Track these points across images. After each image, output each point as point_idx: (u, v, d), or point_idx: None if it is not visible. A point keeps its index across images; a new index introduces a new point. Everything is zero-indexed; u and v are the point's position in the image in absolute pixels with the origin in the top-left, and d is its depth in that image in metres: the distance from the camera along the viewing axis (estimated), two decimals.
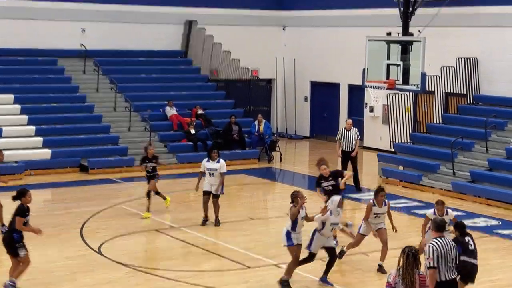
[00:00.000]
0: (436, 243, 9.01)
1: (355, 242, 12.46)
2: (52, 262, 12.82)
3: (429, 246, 8.90)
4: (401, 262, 8.18)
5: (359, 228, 12.36)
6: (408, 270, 8.10)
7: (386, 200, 12.34)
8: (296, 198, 11.28)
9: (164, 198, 16.23)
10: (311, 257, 11.56)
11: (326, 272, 11.60)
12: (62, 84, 23.99)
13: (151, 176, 15.99)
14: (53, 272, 12.22)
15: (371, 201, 12.21)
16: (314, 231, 11.49)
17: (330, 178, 13.71)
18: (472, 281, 10.41)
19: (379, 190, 12.27)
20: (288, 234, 11.19)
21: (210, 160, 15.01)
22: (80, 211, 16.41)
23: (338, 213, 11.64)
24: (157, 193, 16.05)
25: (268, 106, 28.87)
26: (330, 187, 13.70)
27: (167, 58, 26.61)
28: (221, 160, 15.12)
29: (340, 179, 13.77)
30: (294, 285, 11.38)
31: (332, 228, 11.53)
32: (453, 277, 9.02)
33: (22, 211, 11.00)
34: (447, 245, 9.03)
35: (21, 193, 11.18)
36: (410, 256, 8.13)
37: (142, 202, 16.24)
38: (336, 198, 11.74)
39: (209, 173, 14.94)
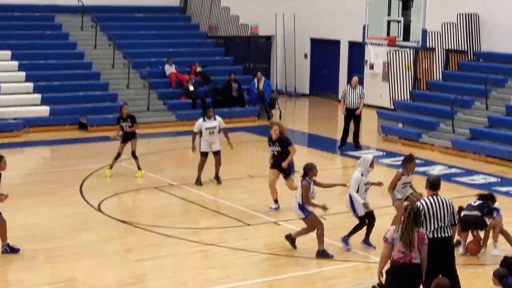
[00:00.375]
0: (425, 201, 8.97)
1: (399, 211, 11.31)
2: (51, 219, 12.84)
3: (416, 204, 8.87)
4: (402, 219, 8.19)
5: (394, 197, 11.63)
6: (407, 228, 8.12)
7: None
8: (311, 171, 11.03)
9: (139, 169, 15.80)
10: (363, 221, 11.35)
11: (368, 234, 11.42)
12: (59, 40, 23.79)
13: (129, 135, 15.62)
14: (52, 229, 12.26)
15: (401, 169, 11.63)
16: (350, 197, 11.29)
17: (277, 144, 13.28)
18: (477, 228, 11.07)
19: (410, 158, 11.64)
20: (301, 206, 11.03)
21: (206, 119, 14.92)
22: (79, 168, 16.40)
23: (369, 173, 11.40)
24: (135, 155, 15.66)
25: (268, 63, 28.70)
26: (276, 153, 13.30)
27: (165, 14, 26.37)
28: (218, 117, 15.09)
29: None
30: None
31: (366, 188, 11.38)
32: (444, 235, 8.91)
33: None
34: (439, 203, 8.97)
35: None
36: (412, 214, 8.14)
37: (141, 160, 16.23)
38: (368, 157, 11.45)
39: (209, 132, 14.87)
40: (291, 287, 10.13)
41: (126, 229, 12.39)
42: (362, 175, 11.33)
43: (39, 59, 22.49)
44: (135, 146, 15.71)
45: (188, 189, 14.82)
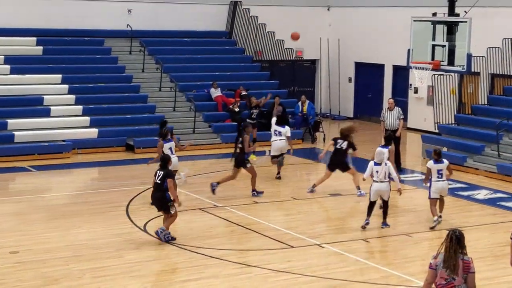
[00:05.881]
0: None
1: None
2: (98, 239, 13.10)
3: None
4: (445, 245, 8.05)
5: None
6: (451, 253, 7.96)
7: None
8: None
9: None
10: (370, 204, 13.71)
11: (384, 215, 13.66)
12: (108, 64, 24.30)
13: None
14: (99, 249, 12.51)
15: None
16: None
17: None
18: None
19: None
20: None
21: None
22: (126, 189, 16.71)
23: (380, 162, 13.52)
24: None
25: (312, 86, 28.86)
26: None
27: (211, 39, 26.76)
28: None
29: None
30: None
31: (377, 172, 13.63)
32: None
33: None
34: None
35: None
36: (454, 239, 8.02)
37: (187, 181, 16.47)
38: (377, 150, 13.94)
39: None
40: None
41: (172, 250, 12.59)
42: (375, 164, 13.59)
43: (89, 83, 23.00)
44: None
45: (232, 211, 14.98)
